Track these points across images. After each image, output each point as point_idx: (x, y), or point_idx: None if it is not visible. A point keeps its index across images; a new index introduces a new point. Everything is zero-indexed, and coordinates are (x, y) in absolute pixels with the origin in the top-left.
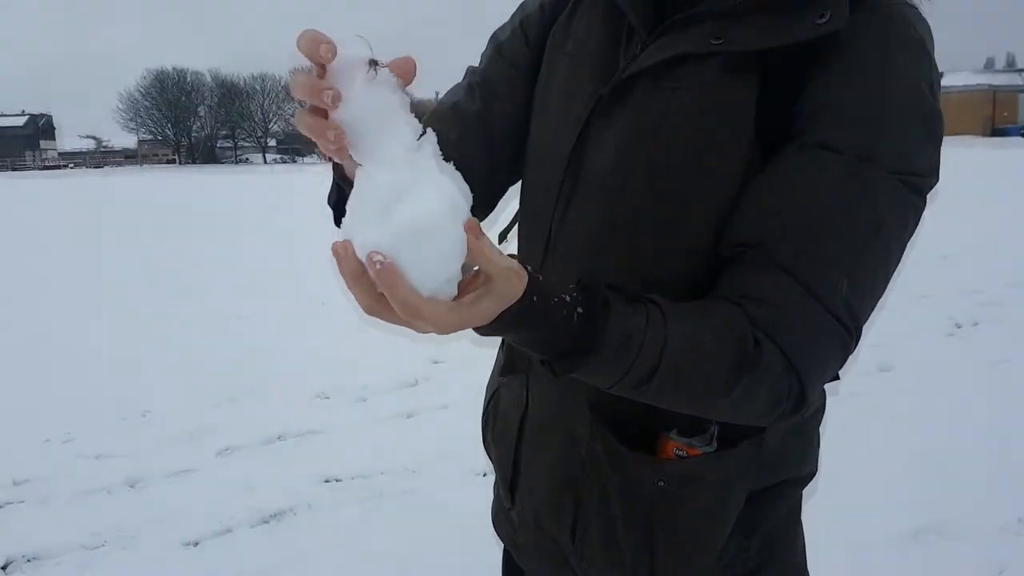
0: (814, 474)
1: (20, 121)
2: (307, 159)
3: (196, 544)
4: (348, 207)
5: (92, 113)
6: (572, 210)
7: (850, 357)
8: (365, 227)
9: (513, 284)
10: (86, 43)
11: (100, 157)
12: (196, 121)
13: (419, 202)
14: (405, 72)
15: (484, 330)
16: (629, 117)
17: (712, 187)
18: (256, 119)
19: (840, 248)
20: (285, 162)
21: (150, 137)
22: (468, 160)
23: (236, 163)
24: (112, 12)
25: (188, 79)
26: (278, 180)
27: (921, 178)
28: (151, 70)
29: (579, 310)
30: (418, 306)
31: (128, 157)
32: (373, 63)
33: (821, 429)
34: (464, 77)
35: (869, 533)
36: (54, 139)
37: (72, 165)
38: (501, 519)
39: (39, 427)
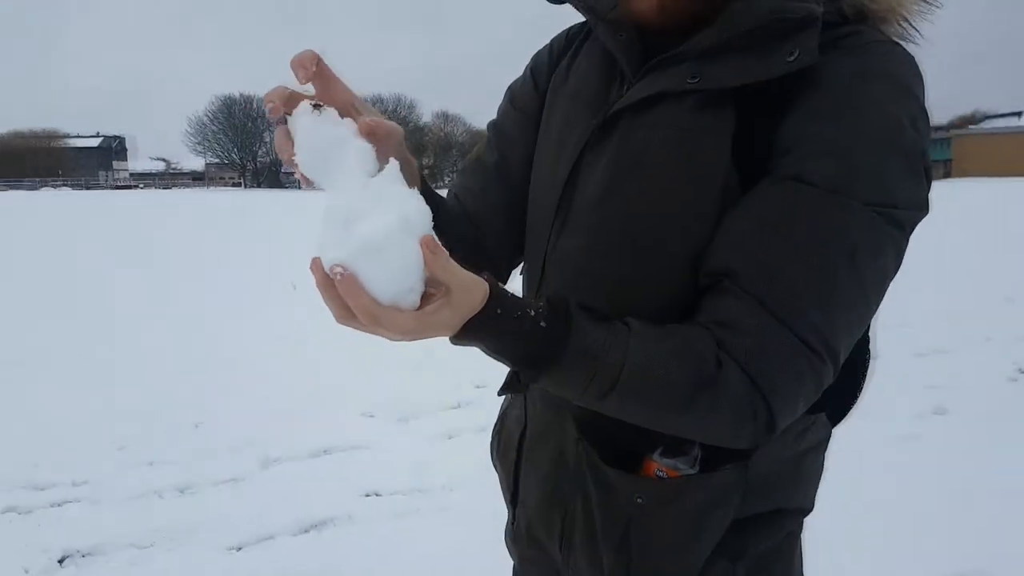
0: (810, 509)
1: (94, 142)
2: None
3: (239, 549)
4: (320, 229)
5: (163, 136)
6: (563, 239)
7: (828, 384)
8: (330, 245)
9: (472, 295)
10: (160, 67)
11: (169, 178)
12: (261, 146)
13: (374, 220)
14: (346, 107)
15: (454, 339)
16: (613, 151)
17: (688, 219)
18: None
19: (810, 276)
20: None
21: (217, 160)
22: (492, 209)
23: (299, 188)
24: (186, 38)
25: (255, 105)
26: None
27: (901, 211)
28: (219, 96)
29: (542, 323)
30: (376, 314)
31: (196, 179)
32: (316, 106)
33: (828, 463)
34: (487, 131)
35: (909, 573)
36: (126, 160)
37: (142, 185)
38: (509, 534)
39: (98, 433)
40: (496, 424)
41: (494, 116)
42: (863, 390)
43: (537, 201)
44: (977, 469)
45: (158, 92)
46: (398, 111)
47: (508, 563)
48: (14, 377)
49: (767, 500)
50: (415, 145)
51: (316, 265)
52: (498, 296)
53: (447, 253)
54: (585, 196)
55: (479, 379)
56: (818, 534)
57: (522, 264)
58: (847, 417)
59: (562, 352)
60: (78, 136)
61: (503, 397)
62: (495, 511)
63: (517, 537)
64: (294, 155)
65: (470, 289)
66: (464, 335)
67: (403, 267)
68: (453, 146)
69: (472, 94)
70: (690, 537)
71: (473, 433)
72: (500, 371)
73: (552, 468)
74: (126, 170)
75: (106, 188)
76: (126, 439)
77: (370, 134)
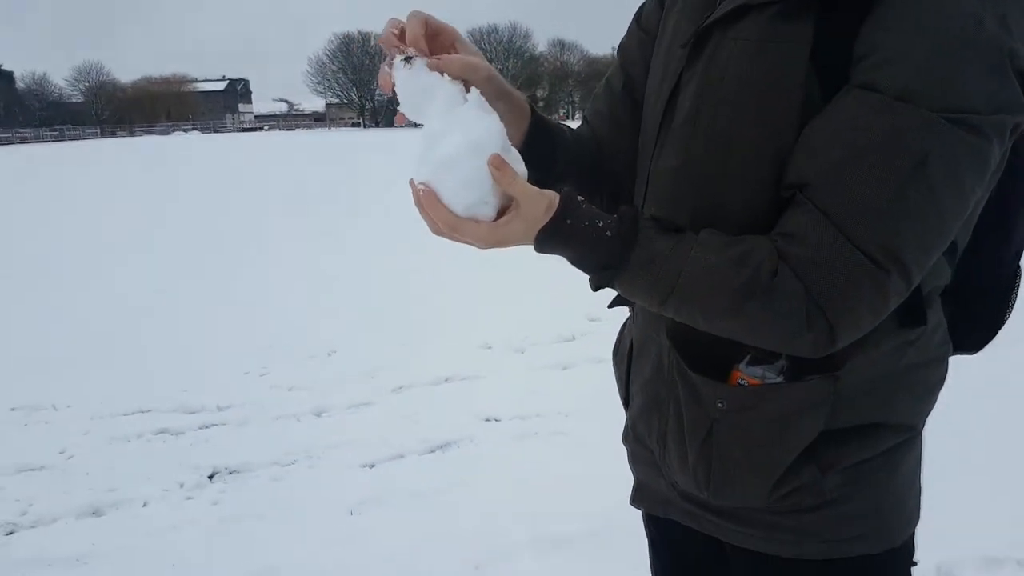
0: (919, 426)
1: (220, 86)
2: None
3: (372, 466)
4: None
5: (286, 77)
6: (661, 159)
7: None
8: (418, 166)
9: (538, 206)
10: (284, 7)
11: (291, 119)
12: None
13: (445, 143)
14: (448, 50)
15: (536, 247)
16: (704, 66)
17: (771, 130)
18: None
19: (875, 188)
20: None
21: (337, 100)
22: (621, 130)
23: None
24: None
25: (372, 42)
26: None
27: (979, 115)
28: (338, 34)
29: (608, 233)
30: (453, 223)
31: (317, 120)
32: (407, 59)
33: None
34: (616, 53)
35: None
36: (251, 102)
37: (267, 127)
38: (625, 433)
39: (239, 362)
40: (618, 333)
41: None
42: (1009, 314)
43: (647, 120)
44: None
45: (280, 33)
46: (513, 41)
47: (618, 481)
48: (162, 306)
49: (863, 414)
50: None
51: (411, 184)
52: (570, 207)
53: (514, 170)
54: (681, 112)
55: (593, 313)
56: (945, 461)
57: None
58: (988, 344)
59: (626, 260)
60: (205, 80)
61: (621, 324)
62: (607, 435)
63: (626, 435)
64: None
65: (536, 201)
66: (540, 243)
67: (473, 180)
68: (569, 75)
69: (589, 19)
70: (769, 442)
71: (587, 363)
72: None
73: (652, 374)
74: (251, 112)
75: (233, 131)
76: (266, 367)
77: (448, 71)
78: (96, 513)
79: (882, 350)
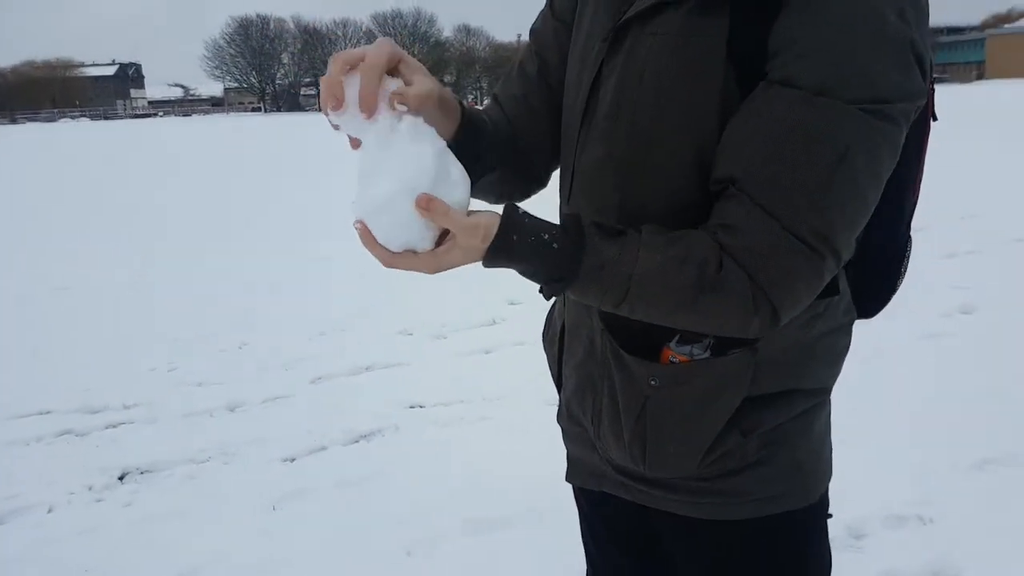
0: (828, 389)
1: (110, 70)
2: None
3: (293, 460)
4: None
5: (179, 61)
6: (585, 151)
7: (831, 277)
8: (355, 203)
9: (474, 236)
10: None
11: (188, 105)
12: (280, 68)
13: (378, 184)
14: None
15: (484, 264)
16: (623, 60)
17: (691, 123)
18: None
19: (804, 179)
20: None
21: (235, 85)
22: (533, 115)
23: (319, 110)
24: None
25: (271, 25)
26: None
27: (891, 104)
28: (235, 17)
29: (555, 245)
30: (390, 260)
31: (215, 105)
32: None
33: (852, 356)
34: (529, 37)
35: (936, 461)
36: (143, 87)
37: (161, 113)
38: (559, 413)
39: (144, 358)
40: (547, 316)
41: (529, 24)
42: (901, 281)
43: (568, 114)
44: (1003, 364)
45: (173, 15)
46: (418, 26)
47: (545, 464)
48: (60, 304)
49: (779, 381)
50: (436, 62)
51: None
52: (513, 223)
53: (445, 206)
54: (601, 108)
55: (512, 296)
56: (846, 427)
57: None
58: (882, 310)
59: (576, 271)
60: (93, 64)
61: (542, 307)
62: (532, 419)
63: (560, 414)
64: (336, 109)
65: (471, 232)
66: (487, 262)
67: (404, 223)
68: (476, 61)
69: (493, 5)
70: (699, 414)
71: (509, 347)
72: (533, 289)
73: (585, 356)
74: (144, 98)
75: (125, 117)
76: (173, 362)
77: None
78: None
79: (795, 322)
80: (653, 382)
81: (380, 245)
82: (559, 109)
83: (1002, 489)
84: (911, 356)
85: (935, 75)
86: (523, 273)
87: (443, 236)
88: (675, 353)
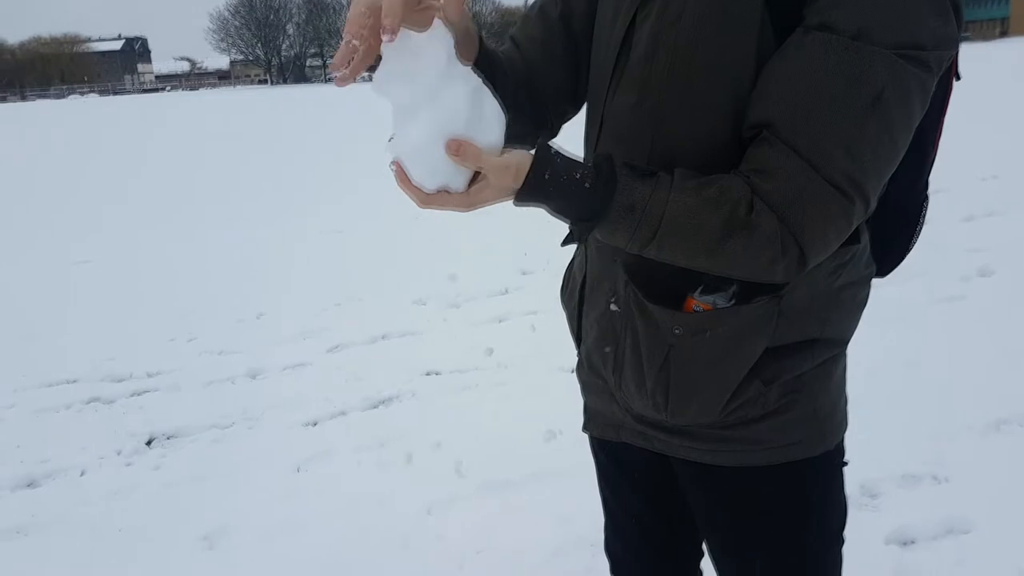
0: (847, 340)
1: (116, 45)
2: None
3: (315, 424)
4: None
5: (185, 34)
6: (617, 96)
7: (859, 223)
8: (391, 143)
9: (505, 176)
10: None
11: (195, 79)
12: (285, 40)
13: (413, 126)
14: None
15: (515, 202)
16: (659, 6)
17: (727, 68)
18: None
19: (837, 122)
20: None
21: (241, 58)
22: (553, 60)
23: (325, 82)
24: None
25: None
26: (367, 98)
27: (926, 51)
28: None
29: (587, 184)
30: (425, 199)
31: (221, 78)
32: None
33: (871, 308)
34: None
35: (951, 422)
36: (150, 62)
37: (169, 88)
38: (578, 367)
39: (165, 329)
40: (565, 272)
41: None
42: (916, 239)
43: (598, 60)
44: (1021, 327)
45: None
46: None
47: (558, 427)
48: (82, 277)
49: (801, 330)
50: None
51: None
52: (545, 163)
53: (476, 149)
54: (636, 52)
55: (525, 266)
56: (862, 387)
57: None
58: (896, 268)
59: (607, 209)
60: (100, 40)
61: (557, 282)
62: (546, 385)
63: (581, 367)
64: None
65: (503, 172)
66: (519, 200)
67: (438, 167)
68: (482, 26)
69: None
70: (722, 362)
71: (522, 316)
72: (545, 259)
73: (607, 307)
74: (151, 72)
75: (133, 92)
76: (193, 332)
77: (448, 15)
78: (32, 485)
79: (822, 271)
80: (677, 331)
81: (415, 185)
82: (577, 56)
83: (1017, 449)
84: (928, 318)
85: (963, 35)
86: (554, 211)
87: (477, 174)
88: (699, 302)
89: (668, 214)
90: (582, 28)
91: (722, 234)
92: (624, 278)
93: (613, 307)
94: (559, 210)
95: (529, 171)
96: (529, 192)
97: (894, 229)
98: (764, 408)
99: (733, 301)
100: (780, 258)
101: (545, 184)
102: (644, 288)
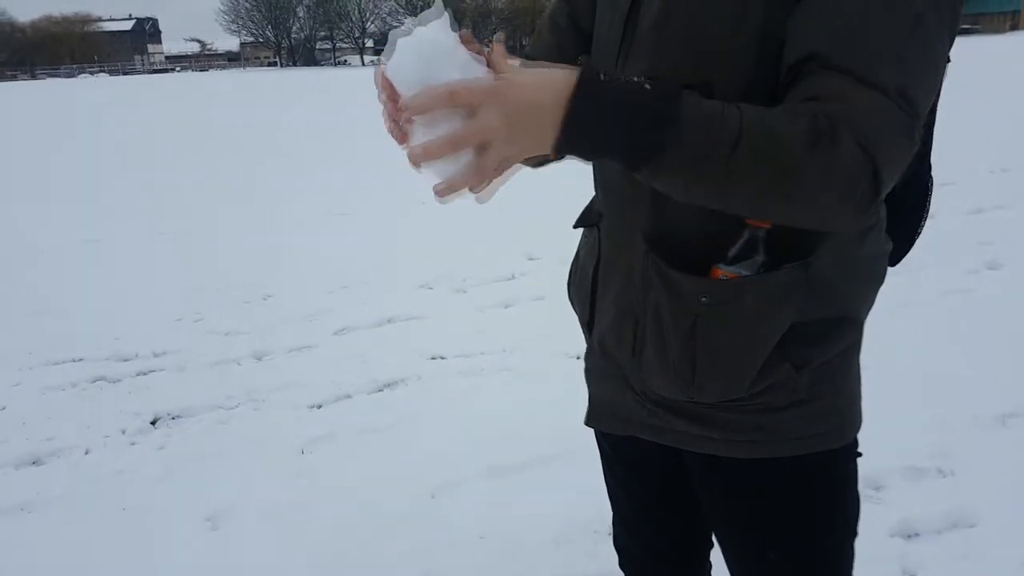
0: (862, 323)
1: (127, 25)
2: None
3: (320, 406)
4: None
5: (195, 15)
6: (627, 67)
7: (915, 148)
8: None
9: (544, 92)
10: None
11: (204, 60)
12: (295, 22)
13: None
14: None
15: (569, 121)
16: None
17: (744, 29)
18: (353, 19)
19: (885, 42)
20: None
21: (251, 39)
22: (571, 62)
23: (335, 65)
24: None
25: None
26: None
27: None
28: None
29: (647, 86)
30: (454, 90)
31: (231, 60)
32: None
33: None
34: None
35: (957, 415)
36: (160, 42)
37: (179, 68)
38: (586, 359)
39: (170, 308)
40: (571, 267)
41: None
42: (923, 226)
43: (602, 37)
44: None
45: None
46: None
47: (564, 412)
48: (89, 256)
49: (832, 305)
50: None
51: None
52: (594, 68)
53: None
54: (646, 22)
55: (531, 252)
56: (868, 378)
57: None
58: (905, 256)
59: (676, 115)
60: (110, 19)
61: (563, 269)
62: (551, 370)
63: (591, 354)
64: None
65: (538, 89)
66: (574, 111)
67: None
68: (492, 12)
69: None
70: (751, 332)
71: (528, 302)
72: (551, 244)
73: (623, 285)
74: (161, 53)
75: (143, 73)
76: (200, 313)
77: None
78: (36, 462)
79: (847, 237)
80: (703, 299)
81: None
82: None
83: (1022, 443)
84: (936, 310)
85: (965, 26)
86: (611, 123)
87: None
88: (724, 272)
89: (747, 123)
90: (589, 22)
91: (806, 143)
92: (644, 248)
93: (632, 282)
94: (617, 117)
95: (580, 78)
96: (585, 97)
97: (901, 214)
98: (792, 396)
99: (761, 270)
100: (859, 179)
101: (600, 85)
102: (667, 257)
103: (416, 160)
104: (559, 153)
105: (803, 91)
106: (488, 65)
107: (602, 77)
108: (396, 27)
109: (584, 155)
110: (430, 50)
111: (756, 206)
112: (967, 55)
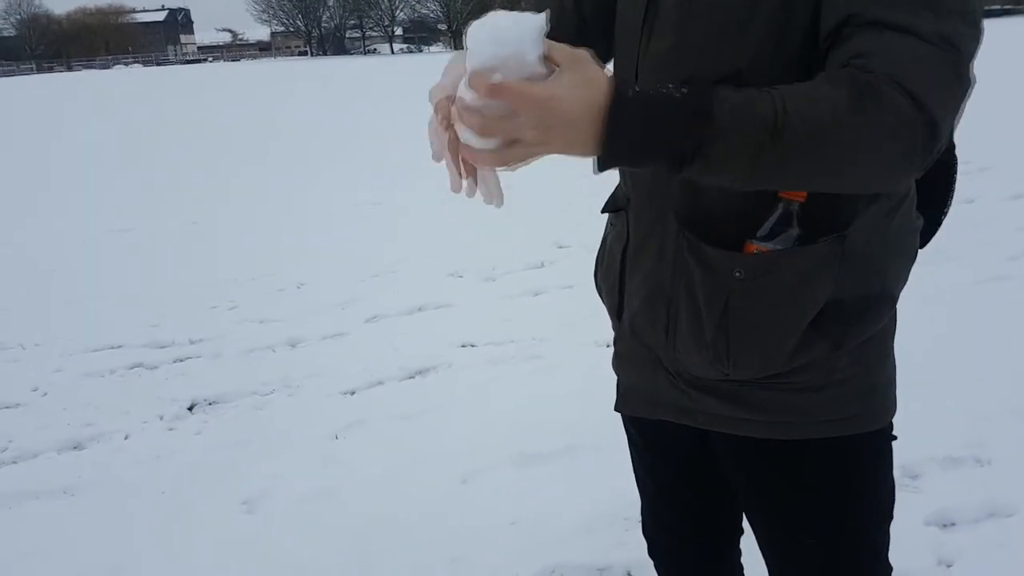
0: (896, 301)
1: (160, 16)
2: (433, 48)
3: (353, 393)
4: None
5: (227, 5)
6: (652, 42)
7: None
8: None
9: (592, 67)
10: None
11: (236, 50)
12: (325, 11)
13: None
14: None
15: (613, 114)
16: None
17: (766, 11)
18: (383, 7)
19: None
20: (411, 51)
21: (282, 29)
22: (583, 26)
23: (364, 54)
24: None
25: None
26: (404, 68)
27: None
28: None
29: (682, 90)
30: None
31: (262, 50)
32: None
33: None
34: None
35: (994, 405)
36: (192, 33)
37: (211, 59)
38: (614, 345)
39: (206, 296)
40: (598, 254)
41: None
42: (949, 207)
43: (625, 13)
44: None
45: None
46: None
47: (593, 400)
48: (124, 245)
49: (867, 279)
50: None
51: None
52: (624, 83)
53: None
54: (669, 1)
55: (560, 240)
56: (903, 367)
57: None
58: (932, 238)
59: (712, 105)
60: (143, 10)
61: (593, 257)
62: (581, 358)
63: (621, 338)
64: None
65: (579, 85)
66: (612, 121)
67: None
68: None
69: None
70: (787, 306)
71: (558, 290)
72: (579, 233)
73: (653, 265)
74: (193, 44)
75: (176, 63)
76: (234, 301)
77: None
78: (77, 447)
79: (880, 207)
80: (738, 274)
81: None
82: (586, 35)
83: None
84: (973, 298)
85: (1008, 7)
86: (651, 124)
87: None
88: (759, 247)
89: (787, 101)
90: (592, 10)
91: (850, 107)
92: (675, 228)
93: (664, 262)
94: (657, 119)
95: (617, 86)
96: (621, 107)
97: (928, 195)
98: (829, 376)
99: (795, 243)
100: (913, 129)
101: (634, 96)
102: (700, 236)
103: (453, 116)
104: (601, 171)
105: (843, 54)
106: (546, 57)
107: (630, 94)
108: (426, 14)
109: (627, 167)
110: (514, 38)
111: (818, 181)
112: (1009, 37)
